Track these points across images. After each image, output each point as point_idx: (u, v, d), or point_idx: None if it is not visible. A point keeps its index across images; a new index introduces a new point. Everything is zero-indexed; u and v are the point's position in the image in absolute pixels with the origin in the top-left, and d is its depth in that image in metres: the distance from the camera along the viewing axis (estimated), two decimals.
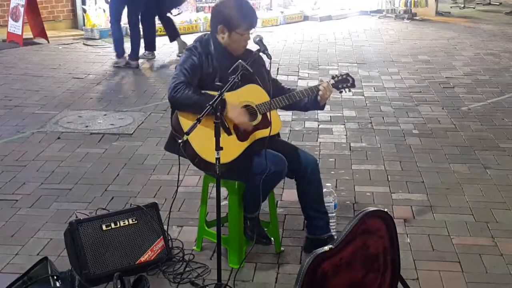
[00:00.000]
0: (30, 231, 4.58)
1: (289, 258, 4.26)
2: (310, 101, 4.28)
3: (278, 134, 4.28)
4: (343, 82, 4.37)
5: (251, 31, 4.07)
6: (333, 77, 4.36)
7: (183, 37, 10.48)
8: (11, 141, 6.48)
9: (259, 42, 3.91)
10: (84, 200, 5.09)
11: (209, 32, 4.17)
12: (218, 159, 3.53)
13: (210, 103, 3.50)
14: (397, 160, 5.98)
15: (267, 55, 3.88)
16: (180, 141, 3.61)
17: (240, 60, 3.74)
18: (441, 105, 7.77)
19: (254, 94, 4.05)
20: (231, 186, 4.10)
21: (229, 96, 3.87)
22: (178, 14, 10.62)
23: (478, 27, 13.75)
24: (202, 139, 3.76)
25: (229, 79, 3.69)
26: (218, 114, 3.53)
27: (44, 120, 7.10)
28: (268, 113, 4.05)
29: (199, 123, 3.49)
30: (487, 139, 6.55)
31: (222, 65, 3.98)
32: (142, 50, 10.21)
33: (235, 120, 3.92)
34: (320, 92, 4.19)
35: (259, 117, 4.04)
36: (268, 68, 4.18)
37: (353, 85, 4.40)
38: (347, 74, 4.40)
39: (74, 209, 4.82)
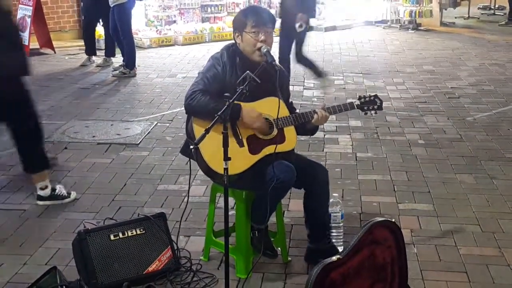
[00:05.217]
0: (38, 240, 4.60)
1: (296, 268, 4.26)
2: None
3: (292, 150, 4.16)
4: (370, 104, 4.21)
5: (267, 32, 4.01)
6: (359, 98, 4.23)
7: (190, 47, 10.39)
8: None
9: (267, 53, 3.95)
10: (92, 210, 5.11)
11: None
12: (226, 169, 3.51)
13: (219, 113, 3.49)
14: (403, 170, 5.99)
15: (274, 66, 3.90)
16: (191, 147, 3.62)
17: (247, 71, 3.70)
18: (447, 115, 7.78)
19: (273, 107, 3.92)
20: (239, 196, 4.11)
21: (247, 107, 3.89)
22: None
23: (482, 38, 13.76)
24: (212, 148, 3.75)
25: (237, 89, 3.69)
26: (227, 124, 3.52)
27: (51, 130, 7.13)
28: (284, 129, 4.01)
29: (207, 134, 3.49)
30: (492, 149, 6.56)
31: None
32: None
33: (252, 125, 3.89)
34: (313, 120, 4.08)
35: (275, 131, 4.00)
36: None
37: (380, 108, 4.22)
38: (376, 96, 4.24)
39: (81, 219, 4.85)
